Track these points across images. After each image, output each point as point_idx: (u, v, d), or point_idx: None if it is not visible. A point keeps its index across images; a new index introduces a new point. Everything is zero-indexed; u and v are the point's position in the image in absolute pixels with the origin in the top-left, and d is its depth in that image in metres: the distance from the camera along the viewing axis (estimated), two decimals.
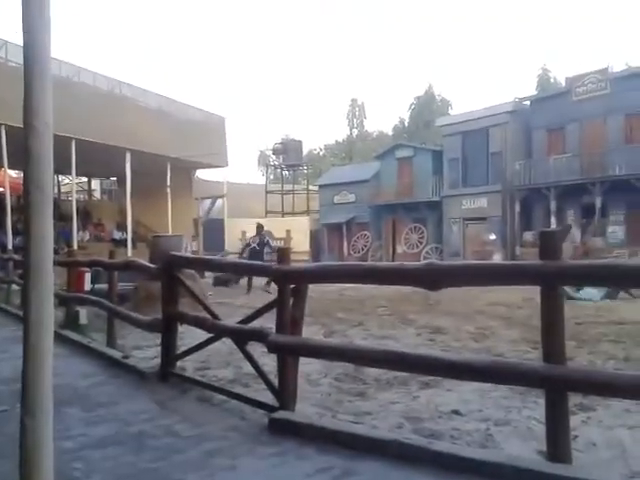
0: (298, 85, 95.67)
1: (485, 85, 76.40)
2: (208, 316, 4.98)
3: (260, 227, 16.62)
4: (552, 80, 43.10)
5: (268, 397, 4.26)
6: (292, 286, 4.07)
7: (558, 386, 2.64)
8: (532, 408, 4.16)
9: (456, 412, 4.22)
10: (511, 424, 3.94)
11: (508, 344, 7.36)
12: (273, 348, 4.11)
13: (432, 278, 2.97)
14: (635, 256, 17.86)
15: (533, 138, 25.68)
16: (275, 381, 4.21)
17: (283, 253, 4.06)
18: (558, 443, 2.78)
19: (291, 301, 4.08)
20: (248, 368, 4.83)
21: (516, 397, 4.54)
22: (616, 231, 22.26)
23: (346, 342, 6.20)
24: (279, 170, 42.66)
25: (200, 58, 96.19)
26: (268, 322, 4.44)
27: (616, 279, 2.69)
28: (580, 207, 23.34)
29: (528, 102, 27.33)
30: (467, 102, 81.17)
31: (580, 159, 23.03)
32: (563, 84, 26.78)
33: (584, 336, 7.82)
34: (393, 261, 30.32)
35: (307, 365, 5.27)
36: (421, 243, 29.28)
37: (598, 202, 21.77)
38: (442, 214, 28.53)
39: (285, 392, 3.98)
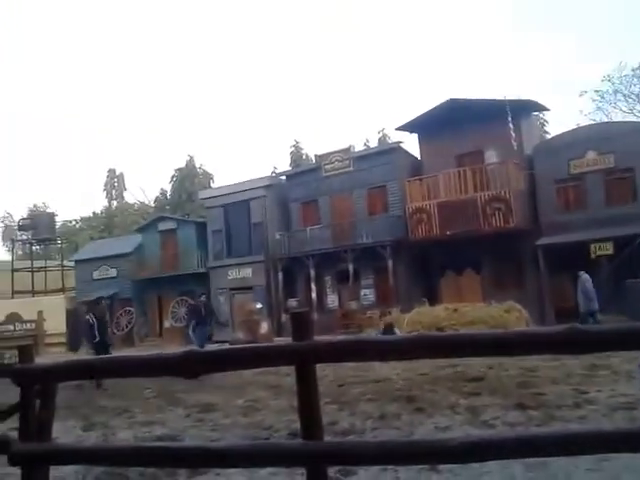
0: (49, 153, 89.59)
1: (246, 158, 79.97)
2: None
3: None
4: (304, 156, 46.71)
5: None
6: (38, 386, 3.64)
7: (315, 462, 2.72)
8: None
9: None
10: None
11: (277, 415, 7.49)
12: (18, 459, 3.58)
13: (191, 367, 2.88)
14: (384, 316, 19.70)
15: (291, 210, 27.35)
16: None
17: (24, 351, 3.58)
18: None
19: (38, 402, 3.63)
20: None
21: (283, 471, 4.59)
22: (367, 294, 24.47)
23: (103, 444, 5.70)
24: (28, 245, 38.95)
25: None
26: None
27: (364, 354, 2.88)
28: (336, 273, 25.21)
29: (284, 177, 29.23)
30: (229, 175, 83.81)
31: (332, 229, 25.12)
32: (314, 160, 29.16)
33: (345, 397, 8.33)
34: (160, 336, 29.27)
35: (63, 467, 4.70)
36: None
37: (350, 268, 23.78)
38: (209, 285, 28.51)
39: None
